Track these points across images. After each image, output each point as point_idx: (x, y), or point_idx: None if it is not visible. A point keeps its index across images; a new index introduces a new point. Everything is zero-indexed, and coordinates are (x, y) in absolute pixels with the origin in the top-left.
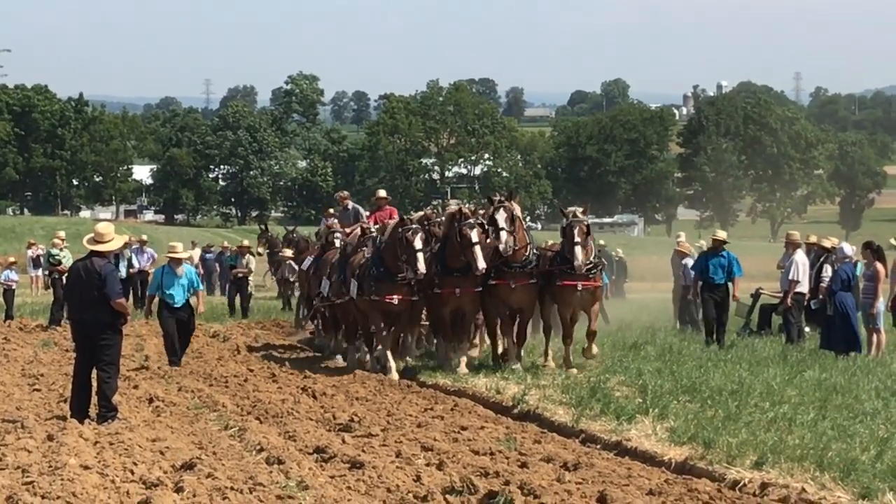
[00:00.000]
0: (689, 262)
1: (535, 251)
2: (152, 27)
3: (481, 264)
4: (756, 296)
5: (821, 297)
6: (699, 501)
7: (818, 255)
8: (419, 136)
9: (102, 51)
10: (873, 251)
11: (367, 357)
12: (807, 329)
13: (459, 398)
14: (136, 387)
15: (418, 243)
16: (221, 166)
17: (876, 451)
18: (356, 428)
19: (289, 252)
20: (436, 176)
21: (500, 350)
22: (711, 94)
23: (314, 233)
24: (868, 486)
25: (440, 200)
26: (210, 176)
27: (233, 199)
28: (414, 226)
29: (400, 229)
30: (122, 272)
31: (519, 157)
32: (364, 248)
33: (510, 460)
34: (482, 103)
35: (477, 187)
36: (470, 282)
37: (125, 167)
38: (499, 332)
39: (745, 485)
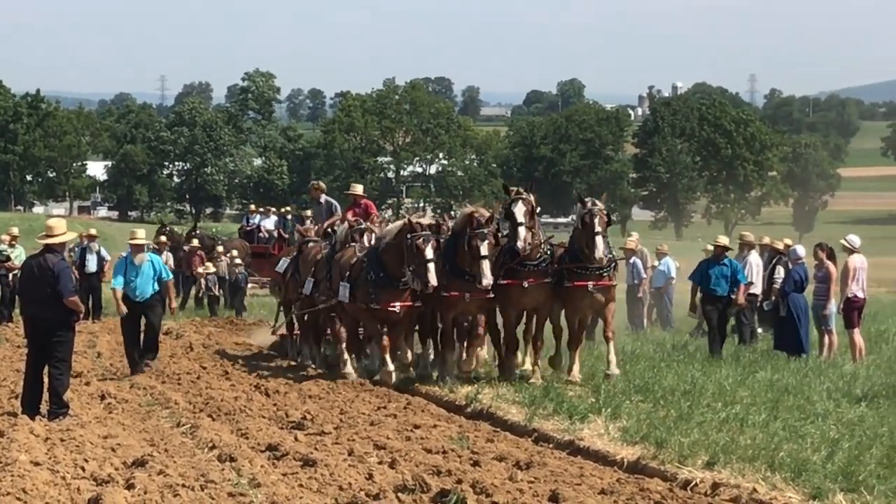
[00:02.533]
0: (637, 261)
1: (549, 247)
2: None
3: (486, 281)
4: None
5: (773, 298)
6: (651, 501)
7: (771, 256)
8: (375, 135)
9: (58, 47)
10: (825, 252)
11: (348, 365)
12: (759, 330)
13: (413, 397)
14: (87, 384)
15: (430, 252)
16: (176, 163)
17: (827, 451)
18: (309, 426)
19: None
20: (391, 175)
21: (511, 359)
22: (667, 95)
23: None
24: (819, 486)
25: (395, 199)
26: (165, 173)
27: (187, 196)
28: (425, 233)
29: (409, 236)
30: (93, 266)
31: (474, 156)
32: (354, 245)
33: (463, 459)
34: (438, 102)
35: (432, 186)
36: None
37: (79, 163)
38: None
39: (696, 484)
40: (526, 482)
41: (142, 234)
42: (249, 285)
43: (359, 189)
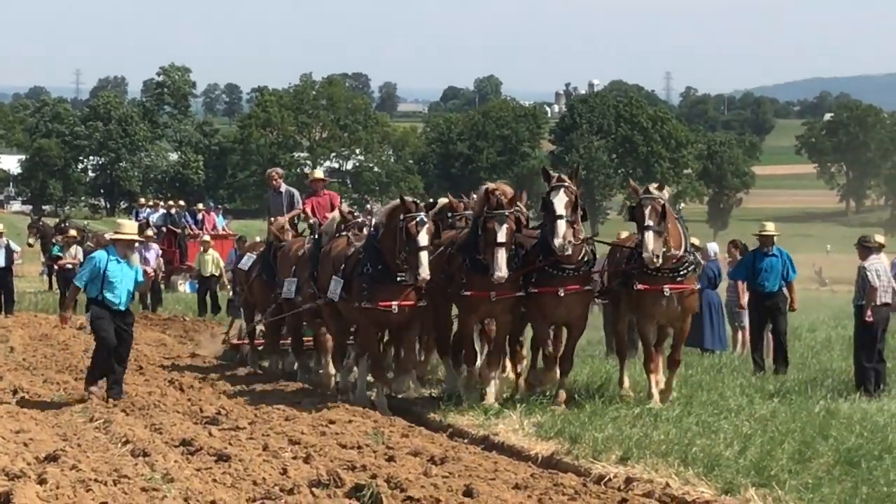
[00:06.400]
0: None
1: (592, 248)
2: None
3: (498, 273)
4: None
5: None
6: (564, 496)
7: None
8: (291, 130)
9: None
10: (739, 249)
11: (335, 377)
12: None
13: (328, 391)
14: (0, 378)
15: (423, 238)
16: (91, 157)
17: (740, 447)
18: (223, 421)
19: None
20: (307, 170)
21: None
22: (583, 92)
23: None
24: (731, 481)
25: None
26: (79, 167)
27: (102, 191)
28: (419, 214)
29: (402, 217)
30: (1, 261)
31: (391, 152)
32: (347, 235)
33: (377, 454)
34: (355, 98)
35: (348, 182)
36: (508, 284)
37: None
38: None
39: (610, 479)
40: (440, 477)
41: (131, 228)
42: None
43: (319, 173)
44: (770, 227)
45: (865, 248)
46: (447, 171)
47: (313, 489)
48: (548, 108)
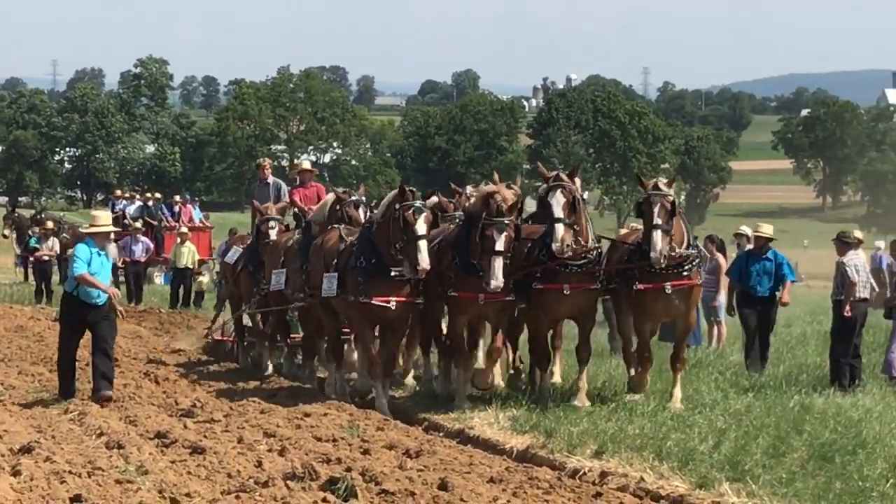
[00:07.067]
0: None
1: (598, 245)
2: None
3: (494, 283)
4: None
5: None
6: (539, 489)
7: None
8: (269, 123)
9: None
10: (716, 245)
11: (325, 377)
12: None
13: (304, 384)
14: None
15: (422, 227)
16: (68, 149)
17: (714, 441)
18: (198, 413)
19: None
20: (285, 163)
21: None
22: (561, 87)
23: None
24: (705, 475)
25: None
26: (56, 159)
27: (78, 183)
28: (417, 203)
29: (398, 205)
30: None
31: (368, 145)
32: (339, 228)
33: (353, 447)
34: (333, 91)
35: (326, 175)
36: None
37: None
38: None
39: (584, 473)
40: (415, 470)
41: (106, 219)
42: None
43: (306, 164)
44: (765, 229)
45: (844, 243)
46: (424, 165)
47: (288, 482)
48: (525, 103)
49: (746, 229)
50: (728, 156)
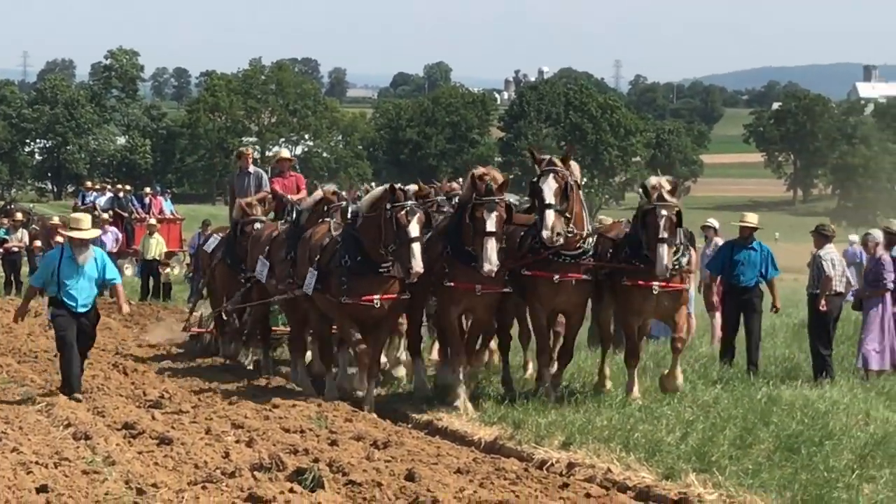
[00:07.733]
0: None
1: (592, 234)
2: None
3: (487, 266)
4: None
5: None
6: (506, 480)
7: None
8: (240, 115)
9: None
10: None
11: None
12: None
13: (272, 376)
14: None
15: (414, 228)
16: (38, 141)
17: (681, 432)
18: (166, 404)
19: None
20: (256, 155)
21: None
22: (533, 79)
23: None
24: (672, 466)
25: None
26: (26, 150)
27: (49, 174)
28: (409, 203)
29: (389, 205)
30: None
31: (340, 138)
32: (328, 220)
33: (320, 438)
34: (304, 83)
35: (297, 167)
36: (496, 277)
37: None
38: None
39: (552, 464)
40: (383, 461)
41: (88, 224)
42: None
43: (285, 153)
44: (751, 218)
45: (823, 236)
46: (396, 158)
47: (255, 472)
48: (497, 95)
49: (714, 221)
50: (699, 149)
